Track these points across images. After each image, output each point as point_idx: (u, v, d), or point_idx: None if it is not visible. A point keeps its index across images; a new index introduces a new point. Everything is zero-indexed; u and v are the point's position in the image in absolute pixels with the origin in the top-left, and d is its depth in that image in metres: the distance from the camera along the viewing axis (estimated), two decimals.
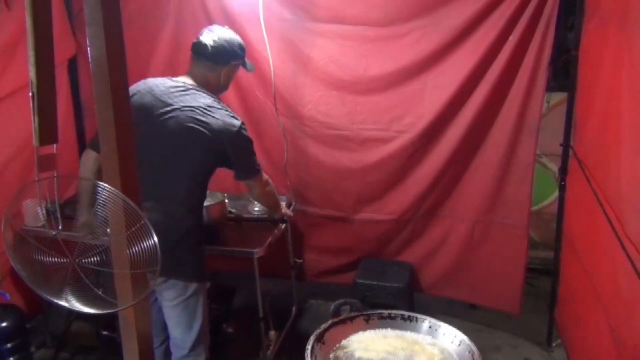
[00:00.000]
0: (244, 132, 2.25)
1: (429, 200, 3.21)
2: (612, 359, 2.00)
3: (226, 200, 2.90)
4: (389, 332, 1.92)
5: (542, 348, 3.11)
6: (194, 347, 2.30)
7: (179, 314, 2.26)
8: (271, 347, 2.99)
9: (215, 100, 2.25)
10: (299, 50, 3.12)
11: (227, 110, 2.25)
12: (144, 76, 2.29)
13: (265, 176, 2.49)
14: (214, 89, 2.31)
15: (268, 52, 3.07)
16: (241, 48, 2.36)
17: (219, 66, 2.30)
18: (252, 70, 2.54)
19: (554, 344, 3.10)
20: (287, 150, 3.26)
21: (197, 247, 2.28)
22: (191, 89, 2.24)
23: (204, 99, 2.21)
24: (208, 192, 2.42)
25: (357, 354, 1.81)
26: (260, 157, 3.38)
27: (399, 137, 3.11)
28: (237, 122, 2.22)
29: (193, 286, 2.23)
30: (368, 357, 1.79)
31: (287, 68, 3.16)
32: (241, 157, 2.29)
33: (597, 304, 2.26)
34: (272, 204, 2.65)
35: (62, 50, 3.20)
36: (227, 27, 2.39)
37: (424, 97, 3.02)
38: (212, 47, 2.25)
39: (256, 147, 3.42)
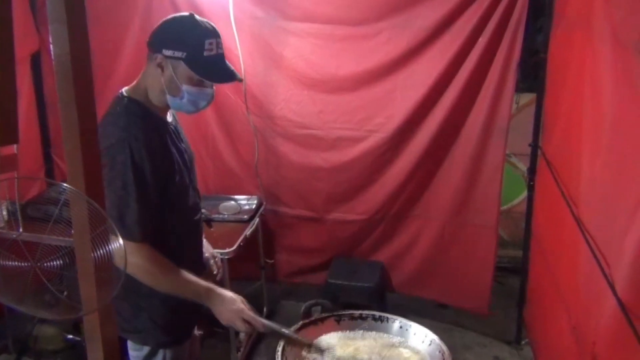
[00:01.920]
0: (113, 154, 1.55)
1: (400, 200, 3.22)
2: (573, 356, 2.04)
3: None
4: (360, 333, 1.92)
5: (511, 346, 3.15)
6: None
7: None
8: (242, 349, 2.96)
9: (118, 108, 1.66)
10: (270, 48, 3.09)
11: (121, 118, 1.63)
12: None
13: (144, 249, 1.62)
14: (158, 93, 1.70)
15: (239, 50, 3.04)
16: (182, 40, 1.68)
17: (151, 55, 1.72)
18: (228, 81, 1.77)
19: (522, 342, 3.14)
20: (258, 150, 3.24)
21: (145, 304, 1.78)
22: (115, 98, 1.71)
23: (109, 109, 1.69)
24: None
25: (328, 355, 1.80)
26: (230, 157, 3.37)
27: (370, 136, 3.11)
28: (113, 138, 1.57)
29: (145, 349, 1.82)
30: (339, 357, 1.78)
31: (258, 67, 3.14)
32: (106, 188, 1.29)
33: (560, 302, 2.30)
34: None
35: (25, 46, 3.10)
36: (191, 13, 1.79)
37: (395, 97, 3.03)
38: (152, 32, 1.72)
39: (227, 147, 3.45)
